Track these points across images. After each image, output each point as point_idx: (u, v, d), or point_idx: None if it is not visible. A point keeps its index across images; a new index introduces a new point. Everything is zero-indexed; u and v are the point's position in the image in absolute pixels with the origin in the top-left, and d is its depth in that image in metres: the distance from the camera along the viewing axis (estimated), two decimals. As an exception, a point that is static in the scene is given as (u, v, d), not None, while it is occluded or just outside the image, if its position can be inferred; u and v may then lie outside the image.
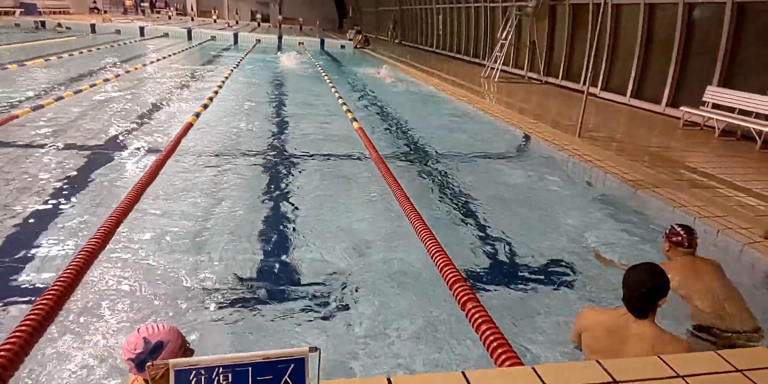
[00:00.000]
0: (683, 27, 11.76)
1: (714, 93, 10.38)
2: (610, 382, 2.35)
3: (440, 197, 6.57)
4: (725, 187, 6.71)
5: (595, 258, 4.94)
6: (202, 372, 1.57)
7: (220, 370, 1.58)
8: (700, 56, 11.52)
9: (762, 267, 4.75)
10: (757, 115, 9.47)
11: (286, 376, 1.63)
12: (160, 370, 1.58)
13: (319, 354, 1.62)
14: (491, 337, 2.96)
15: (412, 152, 8.65)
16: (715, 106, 10.34)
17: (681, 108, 10.92)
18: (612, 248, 5.23)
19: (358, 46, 30.59)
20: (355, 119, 9.85)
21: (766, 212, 5.81)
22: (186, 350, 2.08)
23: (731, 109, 9.93)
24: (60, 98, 10.42)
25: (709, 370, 2.53)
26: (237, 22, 50.22)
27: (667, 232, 3.96)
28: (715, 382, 2.43)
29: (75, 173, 6.54)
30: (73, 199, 5.72)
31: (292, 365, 1.63)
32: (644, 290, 2.75)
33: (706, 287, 3.62)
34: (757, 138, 9.17)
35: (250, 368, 1.60)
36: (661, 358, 2.58)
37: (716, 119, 10.01)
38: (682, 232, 3.87)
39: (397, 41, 37.33)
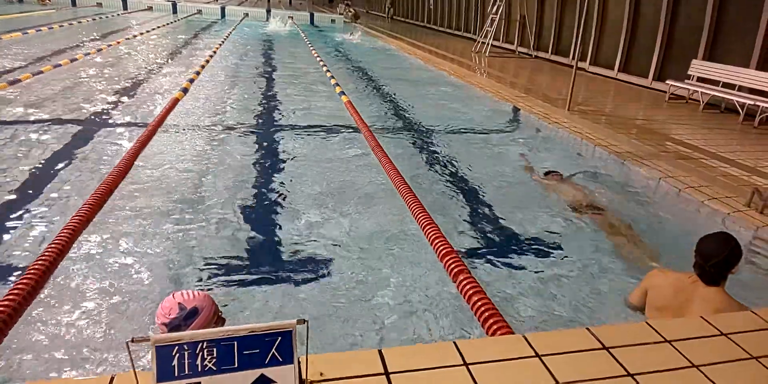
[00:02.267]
0: (669, 1, 11.72)
1: (699, 66, 10.42)
2: (600, 348, 2.39)
3: (430, 168, 6.58)
4: (709, 158, 6.77)
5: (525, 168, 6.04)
6: (186, 347, 1.52)
7: (204, 344, 1.53)
8: (686, 30, 11.51)
9: (745, 235, 4.82)
10: (740, 88, 9.53)
11: (273, 350, 1.60)
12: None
13: (307, 326, 1.58)
14: (483, 308, 2.99)
15: (404, 125, 8.63)
16: (700, 80, 10.38)
17: (667, 81, 10.95)
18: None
19: (347, 21, 30.26)
20: (343, 93, 9.77)
21: (749, 182, 5.88)
22: (219, 319, 2.08)
23: (716, 83, 9.97)
24: (39, 72, 10.13)
25: (696, 334, 2.58)
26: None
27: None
28: (701, 346, 2.48)
29: (55, 149, 6.43)
30: (54, 176, 5.62)
31: (279, 338, 1.60)
32: (719, 259, 2.78)
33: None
34: (740, 110, 9.23)
35: (235, 342, 1.56)
36: (648, 324, 2.62)
37: (701, 92, 10.07)
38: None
39: (392, 16, 36.15)
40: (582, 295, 3.91)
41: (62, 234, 3.67)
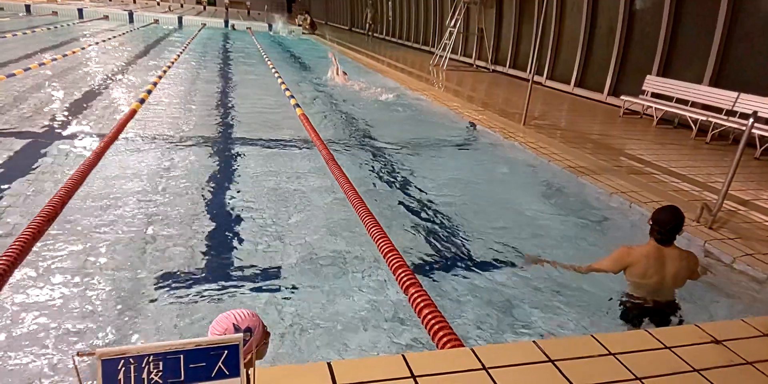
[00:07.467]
0: (625, 17, 12.10)
1: (653, 82, 10.75)
2: (545, 361, 2.44)
3: (385, 182, 6.62)
4: (661, 173, 6.98)
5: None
6: (131, 361, 1.51)
7: (150, 358, 1.52)
8: (641, 46, 11.90)
9: (694, 248, 4.95)
10: (693, 104, 9.85)
11: (219, 363, 1.59)
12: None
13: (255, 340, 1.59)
14: (432, 321, 3.02)
15: (362, 140, 8.66)
16: (654, 95, 10.71)
17: (622, 97, 11.26)
18: (553, 232, 5.41)
19: (305, 32, 30.36)
20: (298, 105, 9.78)
21: (699, 197, 6.07)
22: (267, 335, 2.15)
23: (669, 98, 10.30)
24: (-10, 82, 9.86)
25: (640, 347, 2.66)
26: (181, 5, 48.80)
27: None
28: (645, 358, 2.55)
29: (6, 161, 6.29)
30: (2, 189, 5.47)
31: (226, 351, 1.60)
32: (672, 225, 3.70)
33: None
34: (692, 126, 9.55)
35: (182, 356, 1.55)
36: (594, 337, 2.69)
37: (655, 108, 10.38)
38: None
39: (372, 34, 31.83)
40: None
41: (13, 247, 3.60)
